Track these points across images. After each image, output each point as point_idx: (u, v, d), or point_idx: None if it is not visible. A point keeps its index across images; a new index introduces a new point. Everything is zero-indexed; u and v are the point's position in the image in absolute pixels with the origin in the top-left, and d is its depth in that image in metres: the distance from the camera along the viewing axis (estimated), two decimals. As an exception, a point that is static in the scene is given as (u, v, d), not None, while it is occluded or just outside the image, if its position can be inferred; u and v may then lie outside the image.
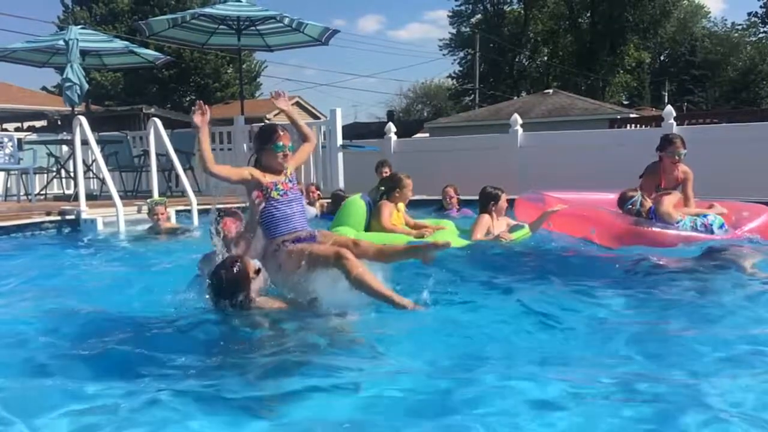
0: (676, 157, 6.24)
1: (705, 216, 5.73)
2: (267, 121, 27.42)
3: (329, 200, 8.75)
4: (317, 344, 3.06)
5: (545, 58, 52.75)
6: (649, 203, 5.83)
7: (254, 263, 3.51)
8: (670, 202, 5.81)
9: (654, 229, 5.57)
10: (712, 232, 5.62)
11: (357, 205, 6.19)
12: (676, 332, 3.26)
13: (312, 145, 4.64)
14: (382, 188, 6.56)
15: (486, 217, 6.02)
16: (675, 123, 10.19)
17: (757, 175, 8.64)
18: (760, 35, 54.03)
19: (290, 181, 4.10)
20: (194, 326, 3.28)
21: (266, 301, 3.51)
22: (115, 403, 2.36)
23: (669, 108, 10.52)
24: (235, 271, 3.38)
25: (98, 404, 2.38)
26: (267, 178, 3.96)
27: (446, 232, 6.10)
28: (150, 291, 3.92)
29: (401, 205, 6.40)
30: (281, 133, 4.07)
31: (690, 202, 6.18)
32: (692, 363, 2.79)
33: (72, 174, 10.09)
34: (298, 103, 38.74)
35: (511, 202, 6.40)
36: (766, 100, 50.60)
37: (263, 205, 3.93)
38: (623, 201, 5.94)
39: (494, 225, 6.02)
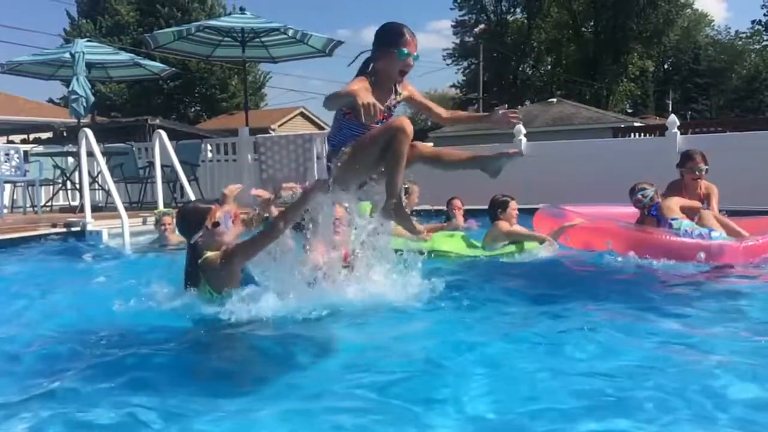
0: (697, 173, 5.99)
1: (711, 230, 5.32)
2: (272, 132, 27.54)
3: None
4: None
5: (549, 67, 52.91)
6: (657, 199, 5.68)
7: (217, 207, 3.72)
8: (677, 200, 5.64)
9: (669, 237, 5.26)
10: None
11: (364, 210, 6.17)
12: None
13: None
14: None
15: (500, 224, 5.87)
16: (679, 132, 10.16)
17: (763, 184, 8.59)
18: (764, 43, 54.12)
19: (391, 110, 3.54)
20: (189, 336, 3.33)
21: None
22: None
23: (672, 117, 10.49)
24: (197, 207, 3.76)
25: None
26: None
27: (456, 237, 6.11)
28: (148, 302, 3.91)
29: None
30: (409, 38, 3.44)
31: (725, 219, 5.80)
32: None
33: (77, 186, 10.14)
34: (302, 114, 38.93)
35: (523, 212, 6.30)
36: (770, 107, 50.57)
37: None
38: (634, 190, 5.77)
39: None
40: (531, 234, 5.96)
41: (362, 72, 3.54)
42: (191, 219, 3.73)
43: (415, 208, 6.58)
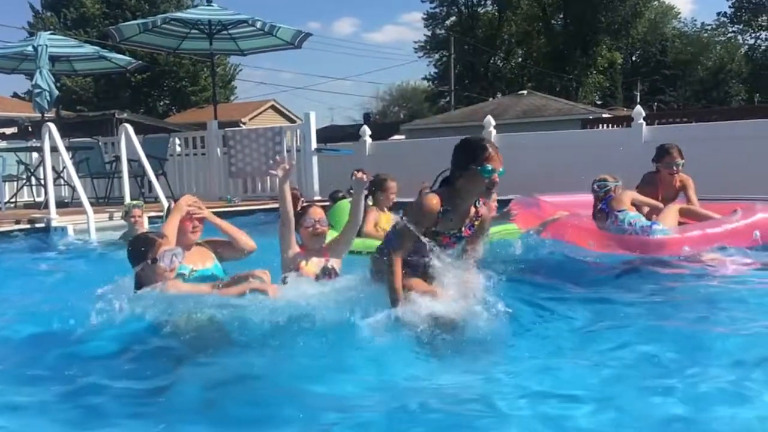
0: (674, 168, 5.93)
1: (654, 223, 5.37)
2: (242, 126, 27.30)
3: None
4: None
5: (520, 59, 53.20)
6: (613, 192, 5.63)
7: (164, 242, 3.58)
8: (629, 194, 5.64)
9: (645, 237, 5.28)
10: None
11: (344, 209, 6.15)
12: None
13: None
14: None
15: None
16: (645, 123, 10.32)
17: (726, 174, 8.77)
18: (729, 35, 55.08)
19: (464, 231, 3.26)
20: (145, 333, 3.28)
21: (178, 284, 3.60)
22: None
23: (638, 108, 10.65)
24: (143, 238, 3.68)
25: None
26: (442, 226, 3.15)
27: None
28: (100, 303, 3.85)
29: (386, 210, 6.38)
30: (492, 152, 3.15)
31: (695, 206, 5.89)
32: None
33: (42, 181, 9.95)
34: (273, 107, 38.66)
35: (500, 203, 6.29)
36: (735, 98, 51.49)
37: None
38: (596, 181, 5.75)
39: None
40: (504, 228, 5.99)
41: (439, 191, 3.26)
42: (135, 248, 3.61)
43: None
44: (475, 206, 3.29)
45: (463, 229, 3.26)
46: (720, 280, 4.42)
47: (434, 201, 3.17)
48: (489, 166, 3.08)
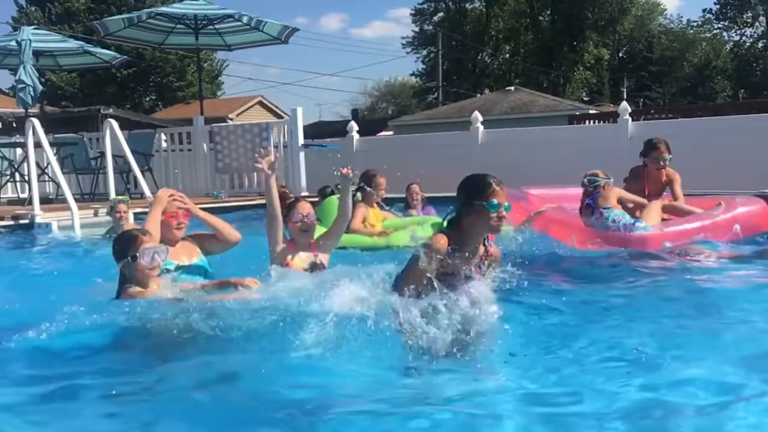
0: (661, 163, 5.97)
1: (637, 221, 5.42)
2: (229, 121, 27.14)
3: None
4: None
5: (507, 55, 53.30)
6: (602, 189, 5.64)
7: (147, 239, 3.53)
8: (617, 192, 5.68)
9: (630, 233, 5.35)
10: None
11: (333, 205, 6.15)
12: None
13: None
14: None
15: None
16: (630, 119, 10.38)
17: (711, 169, 8.84)
18: (715, 31, 55.46)
19: (474, 270, 3.16)
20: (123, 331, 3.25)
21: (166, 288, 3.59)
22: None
23: (624, 104, 10.72)
24: (126, 235, 3.64)
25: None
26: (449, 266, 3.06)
27: (421, 230, 6.12)
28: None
29: (376, 205, 6.40)
30: (497, 187, 3.11)
31: (680, 202, 5.94)
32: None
33: (26, 177, 9.86)
34: (261, 102, 38.50)
35: None
36: (721, 95, 51.89)
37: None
38: (587, 175, 5.77)
39: None
40: None
41: (446, 232, 3.19)
42: (118, 245, 3.59)
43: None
44: (485, 245, 3.22)
45: (473, 269, 3.18)
46: (704, 274, 4.46)
47: (442, 241, 3.10)
48: (495, 201, 3.05)
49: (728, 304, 3.69)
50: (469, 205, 3.09)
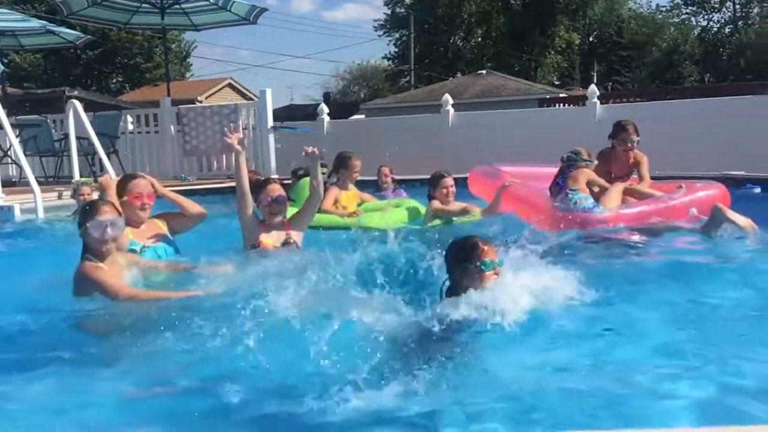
0: (629, 144, 5.99)
1: (596, 206, 5.46)
2: (198, 103, 26.73)
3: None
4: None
5: (479, 39, 53.24)
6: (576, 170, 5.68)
7: (107, 210, 3.49)
8: (587, 173, 5.69)
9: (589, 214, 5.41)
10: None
11: (306, 186, 6.11)
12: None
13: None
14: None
15: (432, 203, 5.89)
16: (599, 102, 10.49)
17: (677, 152, 8.97)
18: (683, 17, 56.13)
19: None
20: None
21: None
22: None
23: (592, 87, 10.83)
24: (89, 204, 3.63)
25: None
26: None
27: (395, 212, 6.13)
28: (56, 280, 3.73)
29: (352, 186, 6.41)
30: (484, 246, 3.14)
31: (644, 184, 5.97)
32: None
33: (-12, 160, 9.64)
34: (230, 85, 38.02)
35: (456, 181, 6.26)
36: (688, 79, 52.61)
37: None
38: (570, 151, 5.79)
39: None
40: (462, 208, 5.96)
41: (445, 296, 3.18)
42: (81, 213, 3.58)
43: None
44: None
45: None
46: (664, 254, 4.54)
47: None
48: (488, 260, 3.08)
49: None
50: (463, 269, 3.12)
